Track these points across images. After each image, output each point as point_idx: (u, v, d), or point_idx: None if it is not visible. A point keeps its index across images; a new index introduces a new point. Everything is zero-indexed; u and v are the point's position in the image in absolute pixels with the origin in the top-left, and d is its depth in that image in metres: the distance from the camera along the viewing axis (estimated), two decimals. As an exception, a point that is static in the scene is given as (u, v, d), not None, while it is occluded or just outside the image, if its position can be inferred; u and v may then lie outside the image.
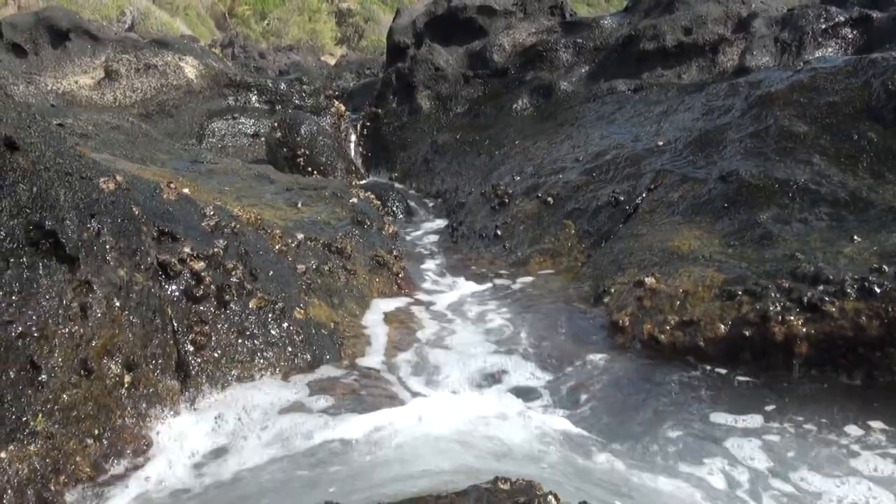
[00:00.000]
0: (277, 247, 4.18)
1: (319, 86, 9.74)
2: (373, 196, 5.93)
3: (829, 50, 7.08)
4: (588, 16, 9.77)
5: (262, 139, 9.06)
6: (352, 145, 9.88)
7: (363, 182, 8.08)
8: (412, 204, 7.57)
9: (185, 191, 4.51)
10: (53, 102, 7.48)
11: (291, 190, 5.63)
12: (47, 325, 2.57)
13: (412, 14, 10.11)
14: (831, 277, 3.51)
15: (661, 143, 5.78)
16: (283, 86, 9.58)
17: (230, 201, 4.99)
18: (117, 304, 2.87)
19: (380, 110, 9.76)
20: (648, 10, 9.11)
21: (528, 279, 5.11)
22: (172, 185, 3.94)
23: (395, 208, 7.29)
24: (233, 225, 3.97)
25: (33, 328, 2.53)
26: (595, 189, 5.65)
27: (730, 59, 7.88)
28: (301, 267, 4.17)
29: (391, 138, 9.51)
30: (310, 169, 7.99)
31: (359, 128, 9.99)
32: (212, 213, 3.94)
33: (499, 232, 5.83)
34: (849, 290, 3.39)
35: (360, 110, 11.04)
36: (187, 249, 3.44)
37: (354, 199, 5.51)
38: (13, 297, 2.51)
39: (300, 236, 4.49)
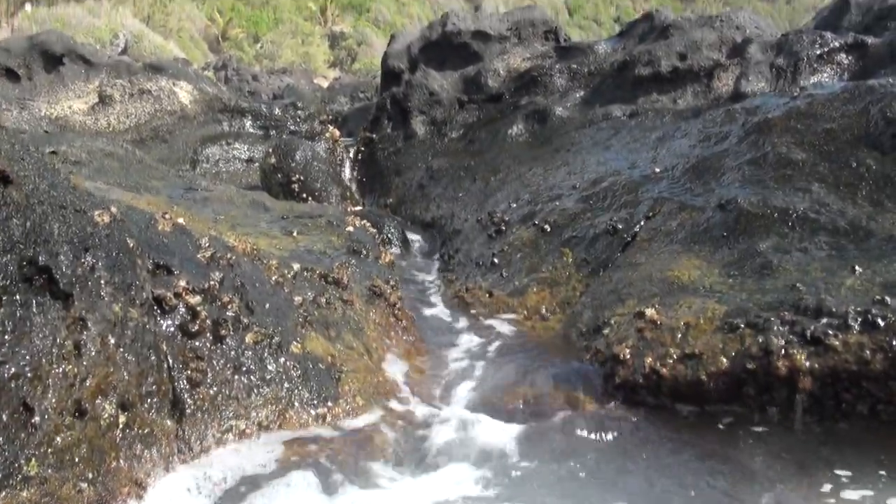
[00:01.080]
0: (274, 278, 4.13)
1: (314, 111, 9.72)
2: (368, 224, 5.88)
3: (825, 75, 7.09)
4: (582, 41, 9.74)
5: (257, 164, 9.03)
6: (346, 170, 9.85)
7: (358, 208, 8.04)
8: (408, 231, 7.53)
9: (181, 220, 4.47)
10: (47, 128, 7.44)
11: (287, 218, 5.59)
12: (41, 364, 2.52)
13: (407, 39, 10.11)
14: (834, 310, 3.48)
15: (658, 170, 5.76)
16: (277, 111, 9.56)
17: (225, 230, 4.94)
18: (112, 341, 2.82)
19: (374, 135, 9.74)
20: (643, 35, 9.14)
21: (525, 310, 5.07)
22: (167, 216, 3.90)
23: (390, 235, 7.24)
24: (228, 256, 3.92)
25: (27, 368, 2.47)
26: (592, 217, 5.62)
27: (725, 84, 7.88)
28: (298, 299, 4.12)
29: (386, 163, 9.48)
30: (304, 195, 7.96)
31: (353, 153, 9.97)
32: (207, 244, 3.90)
33: (495, 260, 5.79)
34: (852, 323, 3.35)
35: (354, 134, 11.03)
36: (183, 283, 3.39)
37: (350, 228, 5.47)
38: (6, 337, 2.46)
39: (296, 267, 4.44)
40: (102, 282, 2.90)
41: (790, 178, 4.89)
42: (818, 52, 7.09)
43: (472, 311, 5.31)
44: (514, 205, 6.39)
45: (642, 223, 5.26)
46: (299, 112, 9.65)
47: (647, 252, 4.95)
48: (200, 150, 8.97)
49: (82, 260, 2.85)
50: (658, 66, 8.13)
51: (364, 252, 5.17)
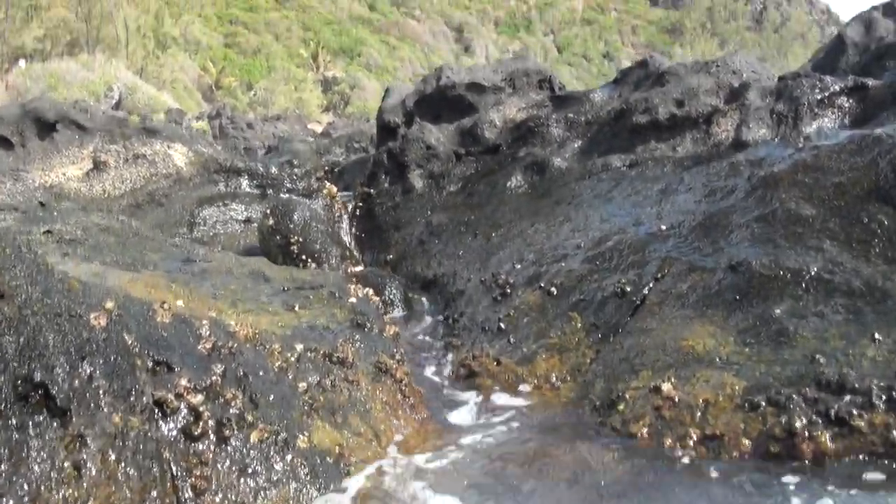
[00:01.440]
0: (277, 364, 4.01)
1: (310, 167, 9.65)
2: (371, 292, 5.78)
3: (826, 120, 7.00)
4: (577, 90, 9.69)
5: (254, 225, 8.94)
6: (345, 227, 9.77)
7: (359, 269, 7.94)
8: (410, 291, 7.42)
9: (179, 303, 4.37)
10: (42, 199, 7.35)
11: (287, 290, 5.48)
12: (40, 493, 2.40)
13: (401, 93, 10.05)
14: (857, 386, 3.37)
15: (664, 228, 5.66)
16: (273, 169, 9.49)
17: (226, 308, 4.84)
18: (112, 456, 2.70)
19: (372, 190, 9.65)
20: (638, 82, 9.07)
21: (535, 379, 4.95)
22: (166, 306, 3.78)
23: (392, 297, 7.14)
24: (230, 345, 3.81)
25: (25, 498, 2.35)
26: (600, 279, 5.51)
27: (724, 129, 7.80)
28: (302, 385, 4.00)
29: (385, 218, 9.39)
30: (304, 257, 7.85)
31: (351, 208, 9.89)
32: (208, 332, 3.79)
33: (502, 325, 5.68)
34: (876, 402, 3.24)
35: (351, 188, 10.94)
36: (184, 382, 3.27)
37: (353, 299, 5.36)
38: (3, 466, 2.34)
39: (299, 348, 4.32)
40: (101, 391, 2.79)
41: (801, 236, 4.79)
42: (818, 97, 7.01)
43: (481, 382, 5.18)
44: (519, 266, 6.28)
45: (651, 285, 5.15)
46: (296, 170, 9.59)
47: (658, 317, 4.84)
48: (197, 213, 8.88)
49: (79, 370, 2.74)
50: (655, 113, 8.05)
51: (368, 325, 5.06)
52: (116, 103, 43.21)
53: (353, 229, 9.75)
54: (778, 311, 4.27)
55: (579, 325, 5.28)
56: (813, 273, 4.43)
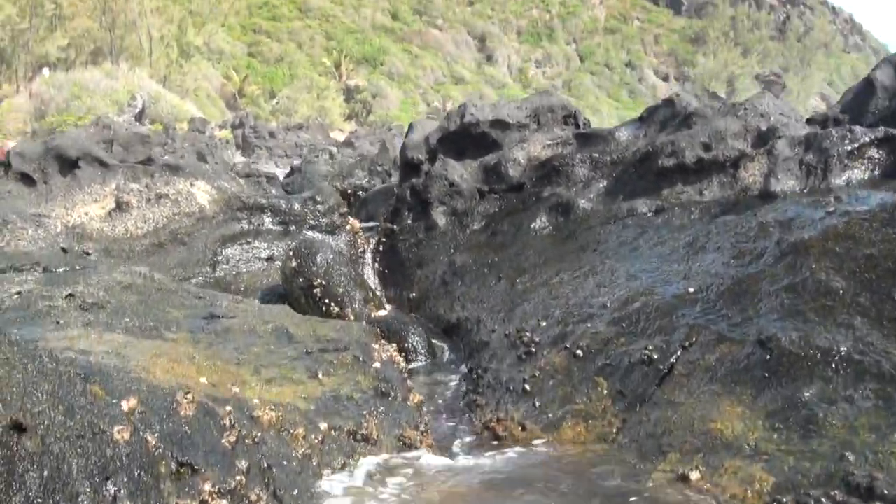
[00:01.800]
0: (301, 451, 3.99)
1: (333, 203, 9.62)
2: (396, 354, 5.76)
3: (856, 172, 6.91)
4: (602, 128, 9.61)
5: (277, 263, 8.92)
6: (368, 262, 9.76)
7: (382, 314, 7.90)
8: (433, 337, 7.39)
9: (203, 380, 4.36)
10: (64, 245, 7.36)
11: (311, 353, 5.45)
12: None
13: (425, 130, 10.02)
14: (885, 492, 3.30)
15: (692, 290, 5.60)
16: (296, 205, 9.48)
17: (249, 378, 4.83)
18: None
19: (395, 226, 9.64)
20: (664, 121, 9.01)
21: (562, 451, 4.89)
22: (189, 396, 3.76)
23: (415, 345, 7.12)
24: (254, 434, 3.79)
25: None
26: (626, 343, 5.45)
27: (751, 174, 7.71)
28: (327, 471, 3.97)
29: (408, 255, 9.37)
30: (327, 300, 7.83)
31: (374, 243, 9.88)
32: (232, 422, 3.76)
33: (527, 387, 5.63)
34: (907, 512, 3.18)
35: (374, 217, 10.93)
36: (208, 487, 3.25)
37: (377, 364, 5.34)
38: None
39: (323, 427, 4.30)
40: (125, 511, 2.76)
41: (831, 311, 4.71)
42: (848, 148, 6.92)
43: (506, 448, 5.13)
44: (544, 323, 6.22)
45: (679, 353, 5.09)
46: (318, 206, 9.56)
47: (685, 389, 4.78)
48: (220, 251, 8.88)
49: (104, 492, 2.72)
50: (682, 157, 7.98)
51: (392, 394, 5.04)
52: (139, 112, 43.48)
53: (377, 264, 9.74)
54: (807, 394, 4.20)
55: (605, 391, 5.23)
56: (843, 353, 4.36)
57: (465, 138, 9.75)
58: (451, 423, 5.72)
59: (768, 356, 4.55)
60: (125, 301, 5.66)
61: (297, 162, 23.76)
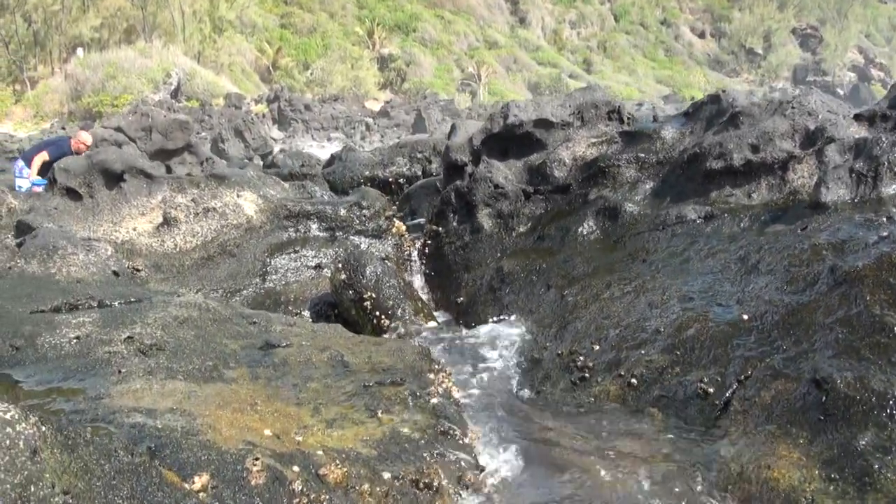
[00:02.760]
0: (368, 510, 4.07)
1: (379, 208, 9.68)
2: (451, 385, 5.81)
3: (907, 180, 6.84)
4: (647, 126, 9.53)
5: (325, 272, 9.01)
6: (415, 263, 9.83)
7: (432, 325, 7.98)
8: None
9: (267, 432, 4.44)
10: (115, 268, 7.47)
11: (369, 386, 5.52)
12: None
13: (468, 131, 10.04)
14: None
15: (745, 318, 5.60)
16: (342, 211, 9.55)
17: (308, 419, 4.92)
18: None
19: (440, 228, 9.68)
20: (710, 118, 8.94)
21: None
22: (258, 463, 3.85)
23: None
24: (323, 498, 3.87)
25: None
26: (681, 373, 5.48)
27: (800, 176, 7.66)
28: (393, 531, 4.06)
29: (454, 258, 9.43)
30: (377, 313, 7.92)
31: (420, 245, 9.95)
32: (300, 487, 3.85)
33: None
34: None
35: (418, 213, 10.99)
36: (284, 569, 3.34)
37: (435, 400, 5.40)
38: None
39: (387, 477, 4.38)
40: None
41: (885, 349, 4.70)
42: (899, 156, 6.86)
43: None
44: (597, 347, 6.26)
45: (734, 387, 5.11)
46: (364, 211, 9.62)
47: (741, 427, 4.82)
48: (268, 262, 8.98)
49: None
50: (730, 159, 7.93)
51: (452, 431, 5.10)
52: (175, 90, 43.70)
53: (423, 267, 9.80)
54: (862, 442, 4.21)
55: (660, 424, 5.26)
56: (898, 397, 4.36)
57: (508, 139, 9.74)
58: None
59: (824, 398, 4.56)
60: (183, 339, 5.75)
61: (335, 147, 23.85)
